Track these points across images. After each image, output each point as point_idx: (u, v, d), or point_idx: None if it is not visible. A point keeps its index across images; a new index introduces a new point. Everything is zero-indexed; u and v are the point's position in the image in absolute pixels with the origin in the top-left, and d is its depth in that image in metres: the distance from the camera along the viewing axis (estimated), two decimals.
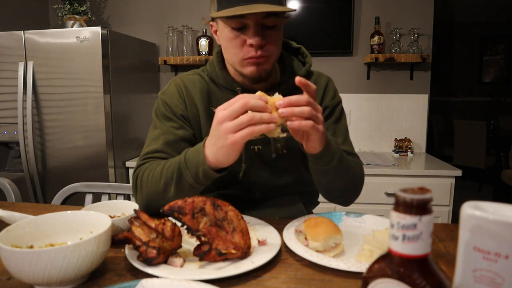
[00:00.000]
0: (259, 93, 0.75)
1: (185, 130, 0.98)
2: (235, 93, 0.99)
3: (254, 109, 0.70)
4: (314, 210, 1.16)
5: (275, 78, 1.03)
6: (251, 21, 0.86)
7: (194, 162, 0.79)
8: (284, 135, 0.76)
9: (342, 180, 0.92)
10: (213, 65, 1.02)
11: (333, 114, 1.04)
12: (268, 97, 0.73)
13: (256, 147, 1.00)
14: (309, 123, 0.72)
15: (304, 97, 0.73)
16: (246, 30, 0.88)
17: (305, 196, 1.09)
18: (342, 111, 1.07)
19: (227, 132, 0.71)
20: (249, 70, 0.91)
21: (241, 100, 0.70)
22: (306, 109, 0.71)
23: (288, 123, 0.72)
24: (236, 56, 0.91)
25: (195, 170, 0.80)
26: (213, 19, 0.97)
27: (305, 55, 1.07)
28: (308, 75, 1.07)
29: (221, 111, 0.73)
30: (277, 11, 0.83)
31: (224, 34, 0.91)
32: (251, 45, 0.88)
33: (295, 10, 0.90)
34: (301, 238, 0.77)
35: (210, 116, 0.99)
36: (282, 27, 0.93)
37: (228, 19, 0.87)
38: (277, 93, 0.75)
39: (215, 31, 0.98)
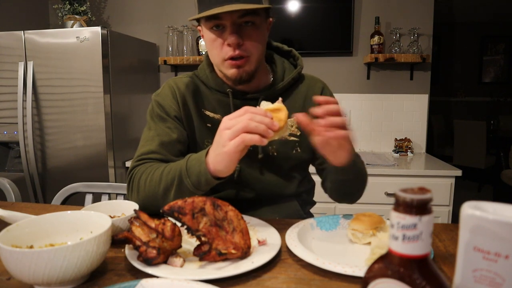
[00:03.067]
0: (264, 105, 0.75)
1: (179, 131, 0.99)
2: (226, 95, 1.00)
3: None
4: (311, 210, 1.16)
5: (266, 80, 1.03)
6: (227, 21, 0.87)
7: (195, 171, 0.80)
8: (293, 138, 0.75)
9: (357, 184, 0.96)
10: (203, 68, 1.03)
11: None
12: (270, 107, 0.73)
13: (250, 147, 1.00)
14: (345, 132, 0.71)
15: (336, 106, 0.72)
16: (224, 30, 0.89)
17: (300, 196, 1.09)
18: None
19: (224, 140, 0.72)
20: (230, 72, 0.92)
21: (247, 114, 0.71)
22: (340, 119, 0.71)
23: (327, 132, 0.71)
24: (218, 57, 0.92)
25: (196, 179, 0.80)
26: (199, 23, 0.98)
27: (296, 57, 1.07)
28: (300, 78, 1.07)
29: (226, 120, 0.74)
30: (248, 8, 0.82)
31: (206, 36, 0.93)
32: (229, 45, 0.88)
33: (270, 7, 0.89)
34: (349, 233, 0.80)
35: (203, 117, 1.01)
36: (264, 25, 0.93)
37: (207, 20, 0.88)
38: (280, 99, 0.75)
39: (203, 35, 0.99)
